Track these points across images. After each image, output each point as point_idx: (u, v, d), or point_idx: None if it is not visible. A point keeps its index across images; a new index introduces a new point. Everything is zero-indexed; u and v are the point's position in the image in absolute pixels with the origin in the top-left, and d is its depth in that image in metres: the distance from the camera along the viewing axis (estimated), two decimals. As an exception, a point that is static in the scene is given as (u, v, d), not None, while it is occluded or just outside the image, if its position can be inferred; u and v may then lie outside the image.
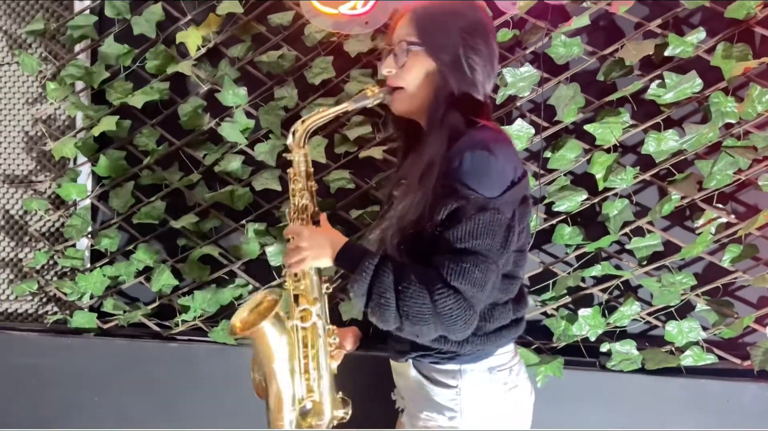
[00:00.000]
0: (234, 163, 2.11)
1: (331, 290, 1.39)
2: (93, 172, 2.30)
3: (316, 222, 1.37)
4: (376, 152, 1.98)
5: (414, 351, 1.31)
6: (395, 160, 1.99)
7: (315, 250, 1.29)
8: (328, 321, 1.40)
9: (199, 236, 2.19)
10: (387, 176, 1.55)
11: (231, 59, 2.15)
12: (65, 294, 2.25)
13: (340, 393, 1.45)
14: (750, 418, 1.73)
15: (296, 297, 1.38)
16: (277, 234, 2.09)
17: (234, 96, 2.11)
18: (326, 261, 1.30)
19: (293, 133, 1.37)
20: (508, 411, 1.31)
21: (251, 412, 2.02)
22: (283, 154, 2.04)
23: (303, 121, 1.37)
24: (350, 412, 1.46)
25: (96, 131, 2.18)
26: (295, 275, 1.37)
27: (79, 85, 2.29)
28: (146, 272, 2.22)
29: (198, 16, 2.18)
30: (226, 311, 2.15)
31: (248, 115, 2.14)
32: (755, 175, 1.76)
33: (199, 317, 2.15)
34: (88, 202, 2.30)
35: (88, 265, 2.30)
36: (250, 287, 2.16)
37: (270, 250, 2.07)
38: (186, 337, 2.18)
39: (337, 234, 1.33)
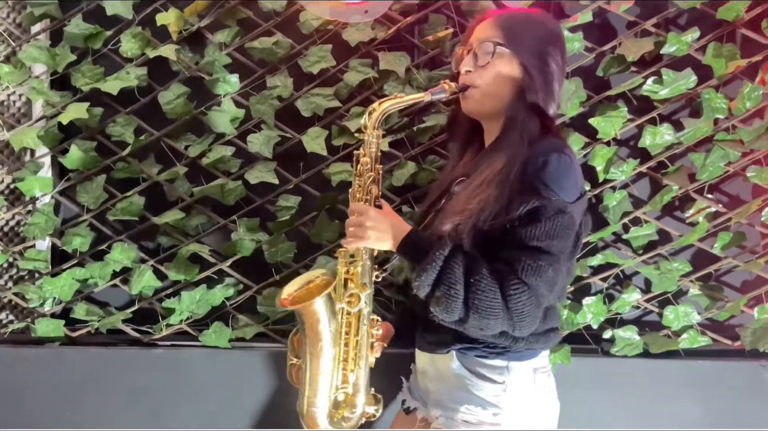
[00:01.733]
0: (224, 155, 1.98)
1: (380, 278, 1.35)
2: (55, 165, 2.08)
3: (378, 207, 1.33)
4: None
5: (458, 342, 1.29)
6: (398, 153, 1.97)
7: (379, 232, 1.27)
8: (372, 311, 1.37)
9: (183, 234, 2.04)
10: (442, 171, 1.54)
11: (218, 45, 2.02)
12: (26, 300, 2.02)
13: (373, 388, 1.41)
14: (745, 394, 1.84)
15: (345, 280, 1.35)
16: (274, 228, 1.98)
17: (225, 83, 1.98)
18: (387, 245, 1.27)
19: (369, 113, 1.32)
20: (544, 413, 1.33)
21: (246, 420, 1.93)
22: (280, 146, 2.00)
23: (380, 103, 1.32)
24: (381, 411, 1.41)
25: (63, 119, 1.97)
26: (351, 256, 1.33)
27: (37, 68, 2.06)
28: (123, 274, 2.04)
29: (178, -2, 2.04)
30: (218, 312, 2.02)
31: (237, 104, 2.02)
32: (742, 167, 1.88)
33: (186, 320, 2.00)
34: (49, 197, 2.07)
35: (51, 268, 2.07)
36: (241, 287, 2.03)
37: (267, 247, 1.97)
38: (170, 343, 2.02)
39: (401, 221, 1.30)
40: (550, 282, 1.17)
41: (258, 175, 1.98)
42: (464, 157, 1.47)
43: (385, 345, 1.44)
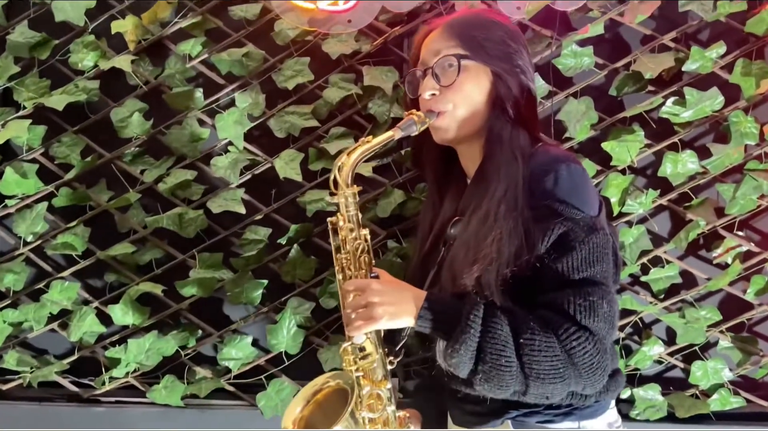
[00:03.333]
0: (186, 179, 1.72)
1: (395, 365, 1.09)
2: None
3: (375, 278, 1.09)
4: (363, 169, 1.68)
5: (515, 409, 1.04)
6: (383, 180, 1.72)
7: (392, 306, 1.01)
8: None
9: (134, 270, 1.77)
10: (422, 219, 1.30)
11: (181, 57, 1.78)
12: (-53, 347, 1.74)
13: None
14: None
15: (356, 378, 1.08)
16: (238, 264, 1.71)
17: (187, 99, 1.74)
18: (405, 320, 1.02)
19: (339, 169, 1.08)
20: None
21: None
22: (248, 171, 1.75)
23: (349, 154, 1.08)
24: None
25: (0, 138, 1.71)
26: (361, 349, 1.06)
27: (-26, 81, 1.82)
28: (62, 316, 1.76)
29: (136, 6, 1.80)
30: (171, 364, 1.73)
31: (200, 122, 1.78)
32: (778, 200, 1.65)
33: (133, 372, 1.71)
34: (-18, 227, 1.81)
35: (-21, 309, 1.80)
36: (199, 333, 1.75)
37: (228, 288, 1.70)
38: (114, 399, 1.73)
39: (412, 287, 1.06)
40: (609, 317, 0.97)
41: (222, 203, 1.72)
42: (446, 193, 1.24)
43: None
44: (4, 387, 1.74)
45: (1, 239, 1.84)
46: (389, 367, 1.09)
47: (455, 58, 1.11)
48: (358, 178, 1.68)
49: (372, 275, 1.09)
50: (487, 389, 0.98)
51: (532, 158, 1.06)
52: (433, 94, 1.14)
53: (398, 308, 1.02)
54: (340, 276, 1.11)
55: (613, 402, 1.11)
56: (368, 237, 1.13)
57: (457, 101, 1.12)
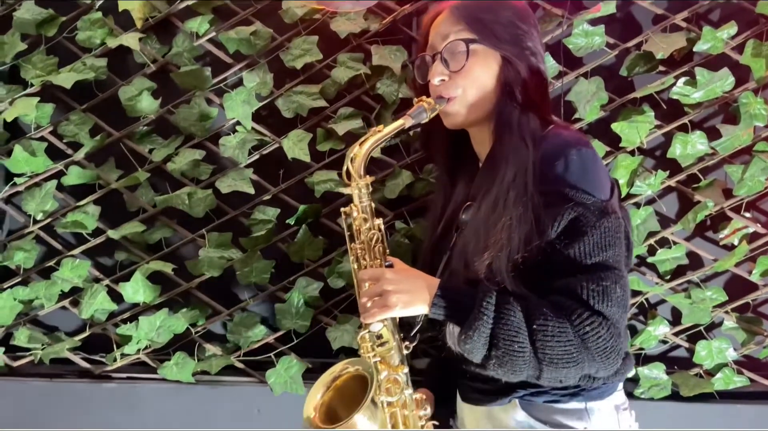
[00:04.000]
0: (194, 159, 1.72)
1: (411, 349, 1.11)
2: (0, 168, 1.82)
3: (388, 267, 1.10)
4: (374, 150, 1.67)
5: (521, 388, 1.05)
6: (392, 161, 1.72)
7: (405, 294, 1.02)
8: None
9: (144, 249, 1.78)
10: (432, 204, 1.32)
11: (189, 34, 1.77)
12: (-41, 324, 1.75)
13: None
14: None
15: (374, 363, 1.09)
16: (247, 244, 1.72)
17: (195, 78, 1.73)
18: (420, 308, 1.03)
19: (351, 160, 1.08)
20: None
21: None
22: (257, 151, 1.75)
23: (361, 144, 1.09)
24: None
25: (8, 116, 1.71)
26: (379, 337, 1.07)
27: (-19, 58, 1.81)
28: (73, 294, 1.77)
29: (144, -18, 1.79)
30: (181, 341, 1.75)
31: (209, 102, 1.77)
32: (785, 182, 1.65)
33: (144, 349, 1.73)
34: (-7, 204, 1.82)
35: (-8, 286, 1.81)
36: (209, 311, 1.77)
37: (239, 266, 1.71)
38: (126, 375, 1.75)
39: (425, 275, 1.07)
40: (622, 302, 0.98)
41: (231, 183, 1.72)
42: (457, 177, 1.24)
43: (437, 423, 1.17)
44: (15, 364, 1.76)
45: (11, 217, 1.85)
46: (405, 352, 1.10)
47: (464, 43, 1.10)
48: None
49: (386, 264, 1.10)
50: (501, 374, 1.00)
51: (543, 142, 1.06)
52: (443, 80, 1.13)
53: (412, 296, 1.03)
54: (355, 266, 1.12)
55: (621, 385, 1.12)
56: (382, 227, 1.14)
57: (467, 86, 1.11)
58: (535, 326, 0.95)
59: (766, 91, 1.68)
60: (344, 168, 1.10)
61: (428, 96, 1.16)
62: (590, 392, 1.05)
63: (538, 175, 1.02)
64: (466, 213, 1.14)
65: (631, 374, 1.63)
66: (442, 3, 1.20)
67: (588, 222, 0.98)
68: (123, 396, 1.70)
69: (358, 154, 1.09)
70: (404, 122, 1.10)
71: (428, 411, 1.12)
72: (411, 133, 1.72)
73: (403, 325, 1.14)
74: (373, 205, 1.13)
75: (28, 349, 1.75)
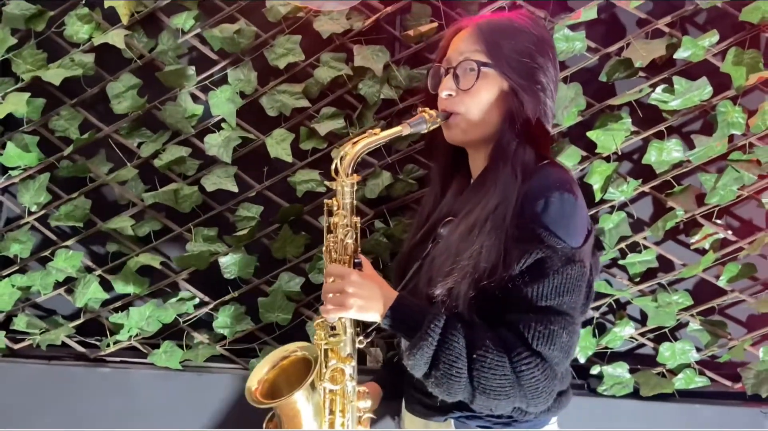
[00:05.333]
0: (180, 156, 1.77)
1: (364, 344, 1.17)
2: (-5, 161, 1.89)
3: (357, 265, 1.14)
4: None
5: (458, 410, 1.11)
6: (372, 161, 1.76)
7: (363, 299, 1.07)
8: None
9: (134, 241, 1.86)
10: (421, 207, 1.34)
11: (173, 31, 1.79)
12: (-38, 309, 1.85)
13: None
14: (744, 445, 1.67)
15: (325, 351, 1.16)
16: (232, 241, 1.79)
17: (178, 76, 1.76)
18: (372, 316, 1.08)
19: (341, 159, 1.12)
20: None
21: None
22: (239, 149, 1.79)
23: (354, 144, 1.11)
24: None
25: (0, 112, 1.76)
26: (332, 328, 1.14)
27: (-27, 51, 1.85)
28: (67, 283, 1.86)
29: (131, -25, 1.80)
30: (169, 330, 1.84)
31: (195, 99, 1.81)
32: (758, 190, 1.67)
33: (135, 337, 1.83)
34: (-11, 196, 1.89)
35: (-8, 273, 1.90)
36: (197, 300, 1.86)
37: (224, 261, 1.78)
38: (119, 359, 1.86)
39: (386, 286, 1.11)
40: (565, 347, 1.02)
41: (216, 180, 1.78)
42: (448, 187, 1.27)
43: (374, 416, 1.24)
44: (16, 347, 1.87)
45: (8, 208, 1.92)
46: (358, 346, 1.16)
47: (476, 64, 1.12)
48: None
49: (356, 260, 1.14)
50: (437, 392, 1.05)
51: (533, 177, 1.08)
52: (450, 95, 1.15)
53: (368, 303, 1.07)
54: (326, 257, 1.17)
55: (554, 418, 1.17)
56: (359, 224, 1.18)
57: (472, 106, 1.13)
58: (475, 356, 1.00)
59: (745, 98, 1.68)
60: (333, 164, 1.14)
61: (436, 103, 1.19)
62: (521, 424, 1.11)
63: (518, 209, 1.05)
64: (445, 227, 1.17)
65: (594, 370, 1.72)
66: (470, 18, 1.22)
67: (552, 265, 1.01)
68: (116, 380, 1.81)
69: (349, 152, 1.12)
70: (402, 129, 1.13)
71: (368, 404, 1.18)
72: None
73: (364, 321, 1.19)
74: (354, 203, 1.17)
75: (26, 333, 1.86)
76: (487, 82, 1.12)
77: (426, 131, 1.15)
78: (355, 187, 1.17)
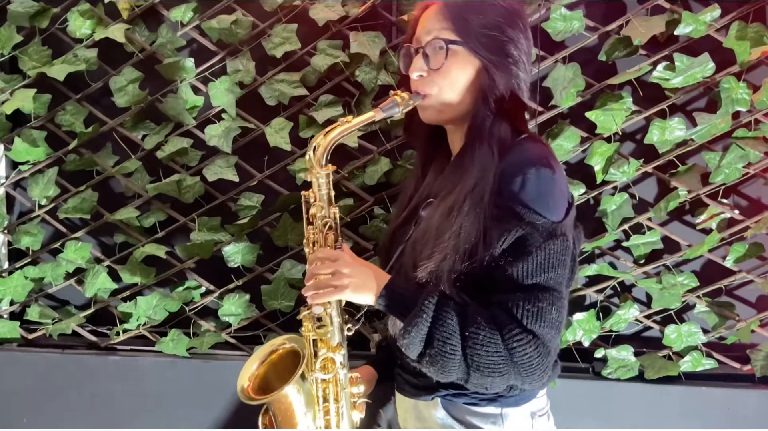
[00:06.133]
0: (181, 147, 1.80)
1: (353, 332, 1.16)
2: (6, 156, 1.93)
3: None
4: (350, 138, 1.72)
5: (445, 388, 1.11)
6: (372, 147, 1.76)
7: (359, 280, 1.07)
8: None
9: (140, 232, 1.89)
10: (403, 189, 1.33)
11: (173, 24, 1.81)
12: (-21, 300, 1.92)
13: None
14: (754, 427, 1.64)
15: (314, 341, 1.16)
16: (234, 230, 1.81)
17: (178, 69, 1.79)
18: (367, 297, 1.07)
19: (314, 149, 1.10)
20: None
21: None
22: (240, 139, 1.81)
23: (326, 134, 1.10)
24: None
25: (8, 108, 1.81)
26: (319, 319, 1.13)
27: (-16, 50, 1.90)
28: (77, 274, 1.91)
29: (129, -30, 1.83)
30: (176, 318, 1.88)
31: (195, 90, 1.83)
32: (764, 168, 1.63)
33: (143, 325, 1.87)
34: (1, 191, 1.94)
35: (6, 266, 1.96)
36: (203, 289, 1.89)
37: (227, 250, 1.81)
38: (129, 347, 1.90)
39: (375, 267, 1.11)
40: (556, 323, 1.01)
41: (217, 170, 1.80)
42: (429, 167, 1.25)
43: (368, 400, 1.25)
44: (30, 337, 1.93)
45: (19, 202, 1.97)
46: (347, 333, 1.16)
47: (444, 43, 1.09)
48: (343, 148, 1.74)
49: (338, 248, 1.14)
50: (432, 372, 1.05)
51: (509, 152, 1.06)
52: (421, 75, 1.12)
53: (363, 283, 1.06)
54: (307, 250, 1.17)
55: (542, 392, 1.16)
56: (337, 215, 1.16)
57: (444, 85, 1.11)
58: (467, 332, 1.00)
59: (750, 74, 1.64)
60: (307, 155, 1.13)
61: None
62: (507, 398, 1.11)
63: (496, 187, 1.03)
64: (426, 209, 1.16)
65: (599, 353, 1.71)
66: None
67: (534, 242, 1.00)
68: (126, 368, 1.85)
69: (321, 143, 1.10)
70: (374, 114, 1.10)
71: (362, 389, 1.19)
72: (389, 121, 1.75)
73: (351, 307, 1.18)
74: (332, 193, 1.16)
75: (39, 323, 1.91)
76: (457, 60, 1.10)
77: (399, 114, 1.12)
78: (331, 177, 1.15)
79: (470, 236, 1.03)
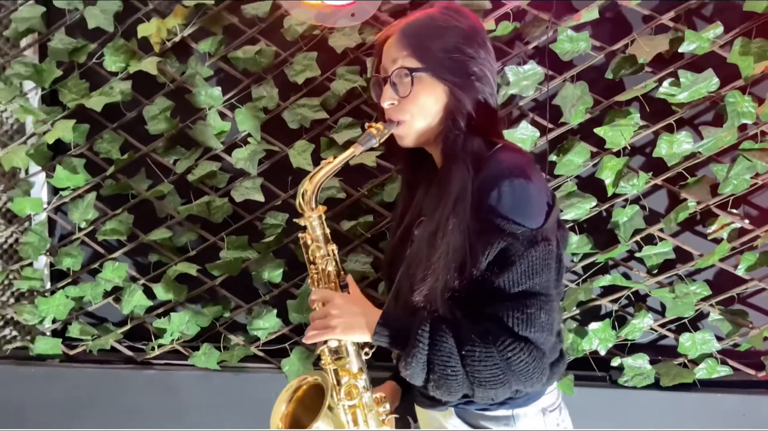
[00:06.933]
0: (210, 170, 1.91)
1: (370, 355, 1.23)
2: (48, 183, 2.06)
3: (344, 287, 1.21)
4: (368, 158, 1.81)
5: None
6: (390, 166, 1.85)
7: (348, 318, 1.14)
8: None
9: (173, 251, 2.00)
10: (395, 210, 1.39)
11: (201, 55, 1.93)
12: (25, 319, 2.03)
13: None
14: (768, 433, 1.67)
15: (335, 371, 1.22)
16: (260, 248, 1.91)
17: (207, 97, 1.90)
18: (360, 335, 1.15)
19: (302, 195, 1.18)
20: None
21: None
22: (264, 161, 1.91)
23: (311, 179, 1.18)
24: None
25: (50, 138, 1.94)
26: (335, 352, 1.20)
27: (27, 84, 2.03)
28: (115, 292, 2.02)
29: (161, 6, 1.96)
30: (207, 333, 1.98)
31: (223, 116, 1.94)
32: (772, 179, 1.67)
33: (177, 340, 1.97)
34: (44, 216, 2.07)
35: (48, 286, 2.08)
36: (232, 305, 1.98)
37: (254, 266, 1.90)
38: (163, 362, 2.00)
39: (370, 305, 1.18)
40: (546, 325, 1.05)
41: (244, 191, 1.90)
42: (416, 186, 1.30)
43: (397, 415, 1.31)
44: (71, 352, 2.04)
45: (60, 225, 2.10)
46: (365, 358, 1.22)
47: (408, 71, 1.12)
48: (363, 167, 1.82)
49: (342, 284, 1.21)
50: (439, 394, 1.11)
51: (485, 165, 1.09)
52: (392, 104, 1.16)
53: (353, 321, 1.13)
54: (313, 287, 1.23)
55: (551, 387, 1.21)
56: (335, 251, 1.23)
57: (414, 112, 1.15)
58: (464, 352, 1.05)
59: (755, 88, 1.69)
60: (297, 201, 1.20)
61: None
62: (516, 400, 1.16)
63: (476, 201, 1.07)
64: (419, 228, 1.21)
65: (615, 362, 1.75)
66: (393, 25, 1.21)
67: (516, 252, 1.04)
68: (161, 381, 1.95)
69: (308, 188, 1.18)
70: (354, 150, 1.16)
71: (387, 407, 1.25)
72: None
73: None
74: (327, 231, 1.23)
75: (81, 340, 2.02)
76: (423, 86, 1.13)
77: (377, 144, 1.17)
78: (323, 218, 1.21)
79: (457, 254, 1.07)
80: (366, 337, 1.14)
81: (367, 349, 1.24)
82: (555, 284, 1.11)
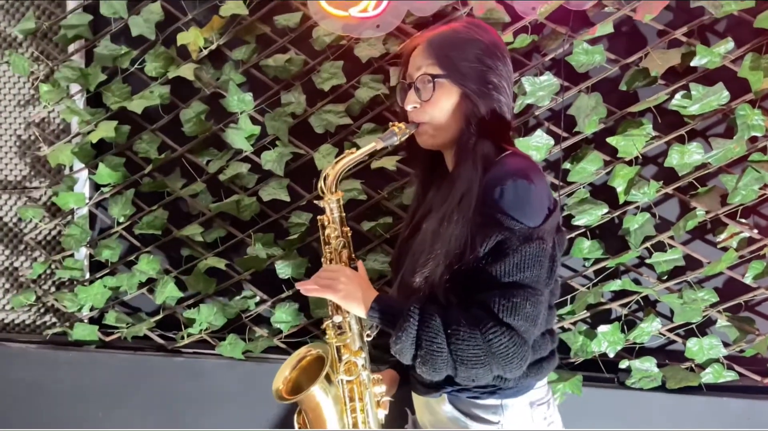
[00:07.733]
0: (240, 171, 2.03)
1: (372, 337, 1.34)
2: (90, 179, 2.21)
3: (354, 269, 1.32)
4: (389, 162, 1.90)
5: (450, 385, 1.26)
6: (408, 170, 1.94)
7: (351, 287, 1.25)
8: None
9: (204, 246, 2.12)
10: (409, 208, 1.50)
11: (235, 62, 2.05)
12: (65, 306, 2.17)
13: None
14: (772, 438, 1.71)
15: (338, 348, 1.33)
16: (285, 245, 2.02)
17: (239, 102, 2.02)
18: (356, 307, 1.25)
19: (324, 179, 1.30)
20: None
21: (260, 428, 2.00)
22: (291, 163, 2.02)
23: (334, 165, 1.30)
24: None
25: (93, 137, 2.08)
26: (339, 327, 1.32)
27: (74, 87, 2.18)
28: (149, 283, 2.15)
29: (199, 16, 2.09)
30: (233, 324, 2.09)
31: (253, 120, 2.05)
32: (781, 190, 1.72)
33: (205, 330, 2.09)
34: (86, 210, 2.21)
35: (88, 276, 2.22)
36: (257, 299, 2.09)
37: (279, 263, 2.01)
38: (192, 350, 2.12)
39: (371, 288, 1.28)
40: (531, 316, 1.13)
41: (271, 191, 2.01)
42: (430, 186, 1.40)
43: (392, 398, 1.41)
44: (107, 339, 2.17)
45: (100, 219, 2.24)
46: (367, 339, 1.33)
47: (431, 77, 1.24)
48: (383, 171, 1.92)
49: (352, 265, 1.32)
50: (425, 371, 1.18)
51: (493, 167, 1.19)
52: (415, 107, 1.28)
53: (355, 293, 1.23)
54: (325, 265, 1.34)
55: (541, 383, 1.28)
56: (349, 234, 1.35)
57: (435, 115, 1.26)
58: (449, 330, 1.13)
59: (765, 102, 1.74)
60: (318, 184, 1.32)
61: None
62: (505, 391, 1.23)
63: (480, 198, 1.18)
64: (426, 221, 1.30)
65: (623, 364, 1.81)
66: (422, 35, 1.33)
67: (511, 245, 1.13)
68: (189, 368, 2.07)
69: (330, 173, 1.29)
70: (375, 144, 1.27)
71: (383, 389, 1.35)
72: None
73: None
74: (343, 215, 1.34)
75: (115, 327, 2.16)
76: (443, 91, 1.24)
77: (398, 142, 1.29)
78: (341, 202, 1.33)
79: (459, 243, 1.17)
80: (361, 311, 1.24)
81: (369, 332, 1.33)
82: (546, 282, 1.18)
